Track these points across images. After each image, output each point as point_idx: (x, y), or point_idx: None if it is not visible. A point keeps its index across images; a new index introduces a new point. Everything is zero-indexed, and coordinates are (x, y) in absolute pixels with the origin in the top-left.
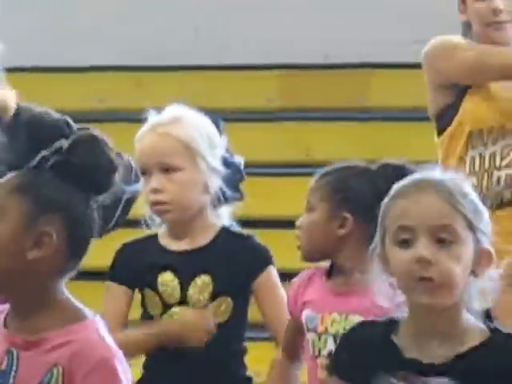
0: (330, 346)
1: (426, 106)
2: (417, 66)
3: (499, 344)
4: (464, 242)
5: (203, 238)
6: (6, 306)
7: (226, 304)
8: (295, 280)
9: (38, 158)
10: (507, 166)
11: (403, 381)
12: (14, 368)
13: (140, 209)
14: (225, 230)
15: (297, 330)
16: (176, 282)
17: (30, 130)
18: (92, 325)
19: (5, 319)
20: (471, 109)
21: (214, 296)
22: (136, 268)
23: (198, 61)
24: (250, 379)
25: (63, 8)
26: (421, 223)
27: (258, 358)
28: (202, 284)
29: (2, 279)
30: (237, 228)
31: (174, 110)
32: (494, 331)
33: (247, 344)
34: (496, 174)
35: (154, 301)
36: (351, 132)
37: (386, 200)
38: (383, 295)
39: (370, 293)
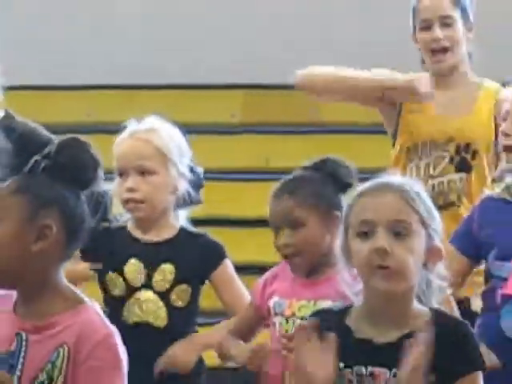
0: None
1: (367, 121)
2: None
3: (440, 324)
4: (417, 236)
5: (167, 233)
6: (10, 292)
7: (185, 291)
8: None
9: (30, 163)
10: (439, 175)
11: (352, 371)
12: (24, 349)
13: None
14: (183, 229)
15: (254, 317)
16: (142, 267)
17: (22, 141)
18: (91, 307)
19: (14, 305)
20: (407, 126)
21: (175, 283)
22: (109, 252)
23: (170, 80)
24: (201, 360)
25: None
26: (380, 218)
27: None
28: (165, 271)
29: (10, 273)
30: (192, 228)
31: (151, 121)
32: (436, 313)
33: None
34: (430, 182)
35: (118, 283)
36: (305, 143)
37: (349, 200)
38: (346, 284)
39: (335, 282)
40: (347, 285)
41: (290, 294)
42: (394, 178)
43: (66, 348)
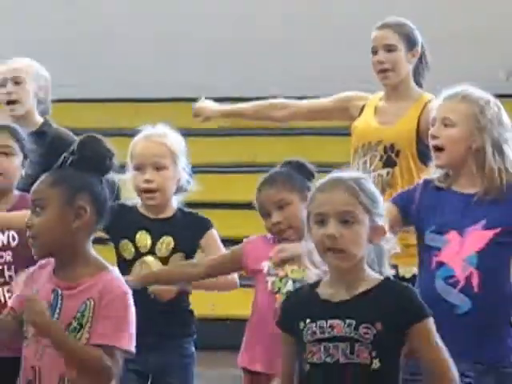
0: (289, 287)
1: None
2: None
3: (387, 286)
4: (362, 221)
5: (167, 213)
6: (49, 261)
7: (181, 258)
8: (252, 239)
9: (60, 159)
10: (373, 170)
11: (316, 325)
12: (60, 302)
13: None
14: (179, 209)
15: (231, 262)
16: (149, 237)
17: (53, 143)
18: (113, 272)
19: (53, 269)
20: (353, 132)
21: (173, 252)
22: (122, 224)
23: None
24: (191, 311)
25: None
26: (330, 210)
27: (194, 297)
28: (166, 242)
29: (56, 246)
30: (185, 209)
31: (161, 128)
32: (386, 279)
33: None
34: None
35: (129, 248)
36: (285, 143)
37: (311, 193)
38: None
39: None
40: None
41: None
42: (345, 173)
43: (92, 302)
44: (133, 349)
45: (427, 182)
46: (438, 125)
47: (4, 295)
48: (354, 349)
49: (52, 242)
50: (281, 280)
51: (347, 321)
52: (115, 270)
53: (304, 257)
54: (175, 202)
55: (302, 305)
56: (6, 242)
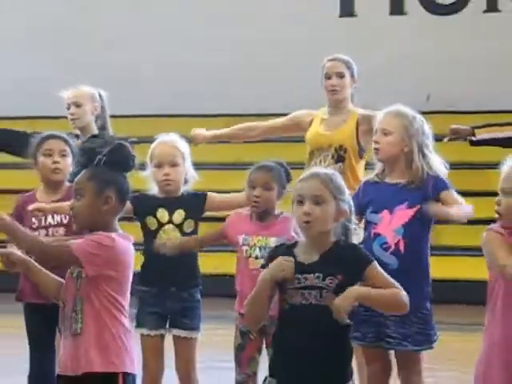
0: (257, 252)
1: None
2: None
3: (341, 246)
4: (328, 204)
5: (177, 194)
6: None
7: (192, 223)
8: (232, 216)
9: (95, 160)
10: (327, 166)
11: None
12: None
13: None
14: (186, 191)
15: (217, 236)
16: (166, 212)
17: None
18: (128, 238)
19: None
20: (307, 140)
21: (185, 219)
22: (145, 205)
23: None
24: (198, 268)
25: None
26: (306, 193)
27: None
28: (180, 213)
29: (90, 223)
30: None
31: (173, 135)
32: (336, 241)
33: None
34: None
35: (153, 222)
36: (264, 147)
37: (296, 182)
38: (292, 228)
39: (279, 225)
40: (292, 227)
41: (253, 233)
42: (320, 169)
43: None
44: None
45: (365, 182)
46: (379, 134)
47: None
48: (322, 294)
49: (87, 221)
50: (251, 248)
51: (316, 274)
52: (129, 238)
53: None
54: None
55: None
56: (59, 221)
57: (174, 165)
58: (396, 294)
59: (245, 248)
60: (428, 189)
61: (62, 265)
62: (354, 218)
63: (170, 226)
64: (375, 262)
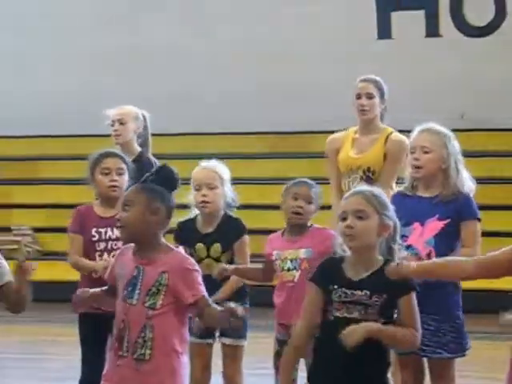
0: (288, 264)
1: None
2: None
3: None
4: (371, 218)
5: (215, 222)
6: (130, 246)
7: (228, 256)
8: (270, 236)
9: (144, 177)
10: (356, 187)
11: (341, 290)
12: (141, 274)
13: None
14: (225, 213)
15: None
16: (204, 247)
17: (143, 165)
18: (180, 251)
19: (134, 251)
20: (339, 162)
21: (222, 252)
22: (186, 240)
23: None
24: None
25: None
26: (349, 209)
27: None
28: (216, 248)
29: (138, 234)
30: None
31: (213, 161)
32: (387, 260)
33: None
34: None
35: (193, 255)
36: (302, 163)
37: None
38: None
39: (308, 238)
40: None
41: (284, 247)
42: (363, 187)
43: (167, 273)
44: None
45: (396, 194)
46: (419, 151)
47: None
48: (367, 310)
49: (135, 231)
50: (283, 261)
51: (364, 291)
52: (181, 250)
53: None
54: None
55: (332, 274)
56: (118, 235)
57: (211, 187)
58: (409, 337)
59: (278, 262)
60: (459, 206)
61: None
62: (398, 239)
63: (209, 260)
64: (414, 294)
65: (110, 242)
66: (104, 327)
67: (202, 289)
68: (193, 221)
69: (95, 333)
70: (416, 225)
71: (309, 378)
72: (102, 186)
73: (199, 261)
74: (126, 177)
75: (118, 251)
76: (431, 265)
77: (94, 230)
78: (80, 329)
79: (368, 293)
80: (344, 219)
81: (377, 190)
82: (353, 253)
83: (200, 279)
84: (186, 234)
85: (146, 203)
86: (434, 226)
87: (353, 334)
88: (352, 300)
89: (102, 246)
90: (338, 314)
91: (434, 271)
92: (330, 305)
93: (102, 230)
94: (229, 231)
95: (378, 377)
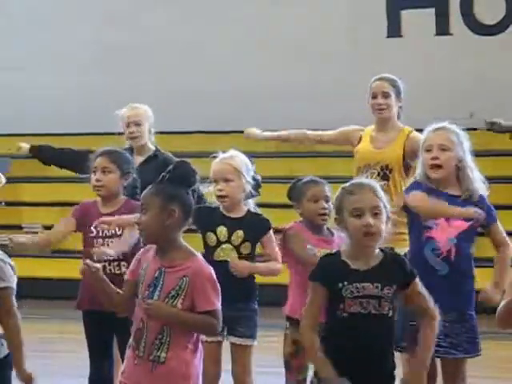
0: None
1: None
2: None
3: (391, 258)
4: (383, 214)
5: (239, 213)
6: (152, 246)
7: (249, 246)
8: (293, 227)
9: (160, 177)
10: None
11: (353, 286)
12: (162, 277)
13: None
14: (249, 210)
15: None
16: (226, 230)
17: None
18: (200, 257)
19: (155, 253)
20: (356, 155)
21: (243, 241)
22: (208, 220)
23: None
24: (255, 281)
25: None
26: (365, 206)
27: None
28: (239, 234)
29: (155, 237)
30: (256, 210)
31: (231, 152)
32: (386, 253)
33: None
34: None
35: (212, 239)
36: (313, 162)
37: (339, 194)
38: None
39: (338, 241)
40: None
41: (318, 244)
42: (367, 180)
43: (187, 278)
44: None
45: (418, 183)
46: (437, 150)
47: None
48: (380, 304)
49: (153, 234)
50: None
51: (375, 284)
52: (200, 256)
53: None
54: (246, 204)
55: (336, 270)
56: (114, 232)
57: (226, 180)
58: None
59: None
60: (483, 209)
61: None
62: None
63: (229, 245)
64: (418, 278)
65: (106, 239)
66: (107, 326)
67: (217, 302)
68: (216, 208)
69: (99, 331)
70: (442, 220)
71: (315, 374)
72: (91, 185)
73: (217, 245)
74: (113, 176)
75: (141, 250)
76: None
77: (93, 226)
78: (85, 327)
79: (379, 285)
80: (358, 216)
81: (374, 182)
82: (361, 248)
83: (218, 289)
84: (208, 215)
85: (161, 206)
86: (460, 225)
87: None
88: (364, 294)
89: (100, 242)
90: (351, 310)
91: None
92: (340, 302)
93: (107, 229)
94: (255, 224)
95: (389, 372)
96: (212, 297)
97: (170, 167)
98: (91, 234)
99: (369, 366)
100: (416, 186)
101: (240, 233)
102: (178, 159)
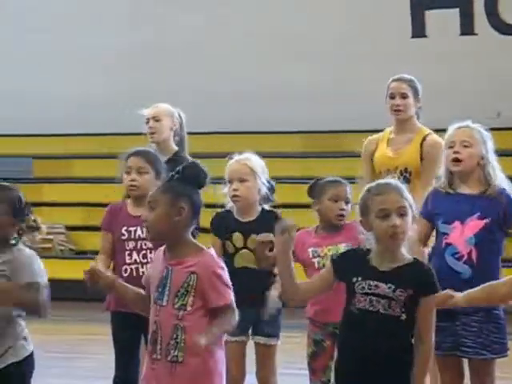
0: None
1: None
2: None
3: (417, 265)
4: (408, 214)
5: (253, 215)
6: (162, 247)
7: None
8: (298, 234)
9: (169, 176)
10: None
11: (366, 282)
12: (170, 275)
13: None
14: (263, 209)
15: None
16: (241, 236)
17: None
18: (208, 252)
19: (163, 252)
20: (375, 162)
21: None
22: (223, 228)
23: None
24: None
25: None
26: (392, 207)
27: None
28: (254, 239)
29: (164, 234)
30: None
31: (247, 153)
32: (416, 260)
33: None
34: None
35: (230, 246)
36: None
37: (365, 195)
38: (361, 235)
39: (346, 232)
40: (362, 234)
41: (321, 244)
42: (392, 181)
43: (195, 275)
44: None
45: (436, 190)
46: (459, 145)
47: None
48: (390, 305)
49: (160, 232)
50: (323, 258)
51: (388, 285)
52: (211, 250)
53: None
54: (261, 207)
55: (356, 264)
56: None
57: (242, 181)
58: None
59: (316, 260)
60: (501, 205)
61: None
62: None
63: (246, 250)
64: (434, 296)
65: (139, 242)
66: (136, 327)
67: (228, 296)
68: (230, 212)
69: (127, 332)
70: (456, 223)
71: (336, 372)
72: (125, 185)
73: (235, 252)
74: (148, 176)
75: (156, 252)
76: (474, 293)
77: (123, 228)
78: (112, 328)
79: (393, 286)
80: (385, 216)
81: (400, 183)
82: (387, 248)
83: (229, 283)
84: (223, 224)
85: (170, 203)
86: (475, 224)
87: None
88: (375, 292)
89: (132, 245)
90: (360, 306)
91: (478, 299)
92: (352, 297)
93: (132, 229)
94: (267, 221)
95: (403, 370)
96: (223, 291)
97: (180, 167)
98: (123, 237)
99: (376, 366)
100: (432, 197)
101: (254, 236)
102: (188, 161)
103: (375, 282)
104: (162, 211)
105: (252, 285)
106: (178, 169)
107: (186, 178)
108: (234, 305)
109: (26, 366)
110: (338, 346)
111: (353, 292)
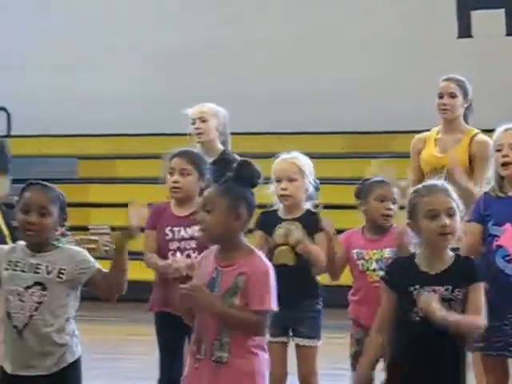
0: (374, 265)
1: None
2: None
3: (462, 261)
4: (457, 214)
5: (297, 213)
6: (213, 248)
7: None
8: (345, 234)
9: (225, 177)
10: None
11: (424, 289)
12: (220, 276)
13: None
14: (308, 210)
15: (344, 259)
16: (282, 231)
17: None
18: (259, 254)
19: (216, 253)
20: (422, 161)
21: (308, 234)
22: (268, 224)
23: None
24: (318, 281)
25: None
26: (441, 208)
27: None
28: (298, 230)
29: (221, 237)
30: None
31: (294, 153)
32: (457, 256)
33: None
34: None
35: (270, 241)
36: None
37: (412, 197)
38: (407, 238)
39: (391, 236)
40: (409, 237)
41: (366, 246)
42: (439, 182)
43: (244, 277)
44: (276, 307)
45: (486, 194)
46: (507, 148)
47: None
48: (451, 305)
49: (218, 235)
50: (367, 261)
51: (445, 287)
52: (260, 253)
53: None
54: (305, 204)
55: (407, 273)
56: (191, 235)
57: (290, 180)
58: (474, 323)
59: (360, 262)
60: None
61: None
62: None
63: (286, 248)
64: (482, 284)
65: (182, 242)
66: (180, 327)
67: (269, 302)
68: (275, 210)
69: (170, 333)
70: (507, 225)
71: (387, 379)
72: (167, 186)
73: (276, 247)
74: (191, 178)
75: (202, 253)
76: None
77: (167, 228)
78: (156, 329)
79: (450, 287)
80: (434, 217)
81: (447, 184)
82: (435, 250)
83: (273, 287)
84: (267, 221)
85: (230, 208)
86: None
87: (431, 307)
88: None
89: (175, 245)
90: (422, 313)
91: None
92: (412, 306)
93: (176, 229)
94: (309, 222)
95: (457, 379)
96: (265, 296)
97: (235, 167)
98: (166, 237)
99: (435, 370)
100: (483, 200)
101: (279, 226)
102: (241, 159)
103: (432, 287)
104: (220, 215)
105: (291, 283)
106: (233, 167)
107: (241, 178)
108: (272, 311)
109: (78, 365)
110: (393, 352)
111: (412, 301)
